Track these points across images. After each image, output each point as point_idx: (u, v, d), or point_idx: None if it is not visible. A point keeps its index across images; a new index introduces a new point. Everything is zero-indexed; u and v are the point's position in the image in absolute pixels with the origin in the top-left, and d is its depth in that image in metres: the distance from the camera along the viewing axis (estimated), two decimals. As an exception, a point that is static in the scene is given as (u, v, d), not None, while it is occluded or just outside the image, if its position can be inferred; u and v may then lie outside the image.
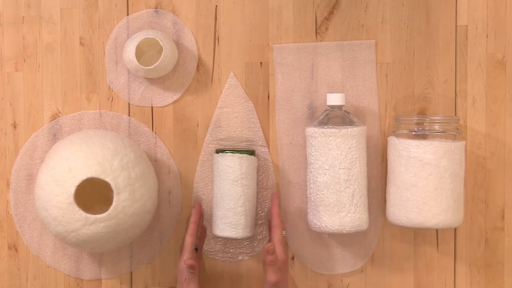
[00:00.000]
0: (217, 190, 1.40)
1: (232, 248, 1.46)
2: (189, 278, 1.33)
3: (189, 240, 1.36)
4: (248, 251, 1.46)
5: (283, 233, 1.37)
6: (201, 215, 1.43)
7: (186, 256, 1.34)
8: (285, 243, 1.37)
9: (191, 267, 1.32)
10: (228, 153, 1.39)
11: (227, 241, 1.46)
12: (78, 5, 1.46)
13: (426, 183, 1.33)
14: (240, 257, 1.46)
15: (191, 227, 1.37)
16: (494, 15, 1.42)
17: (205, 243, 1.46)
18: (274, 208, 1.39)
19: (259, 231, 1.45)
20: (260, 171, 1.45)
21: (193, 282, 1.34)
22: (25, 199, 1.47)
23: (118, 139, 1.37)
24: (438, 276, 1.45)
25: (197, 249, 1.39)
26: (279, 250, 1.34)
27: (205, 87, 1.46)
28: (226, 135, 1.45)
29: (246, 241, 1.46)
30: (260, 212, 1.45)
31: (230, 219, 1.38)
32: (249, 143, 1.45)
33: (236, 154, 1.38)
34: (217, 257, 1.46)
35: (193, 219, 1.39)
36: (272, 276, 1.32)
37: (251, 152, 1.40)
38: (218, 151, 1.41)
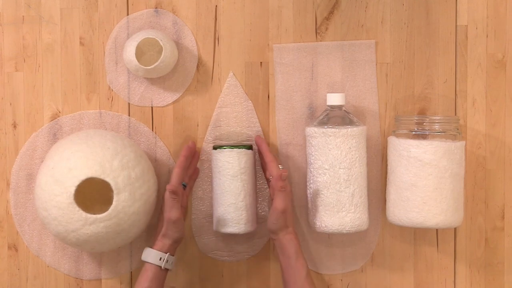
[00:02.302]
0: (216, 187, 1.40)
1: (232, 247, 1.46)
2: (171, 204, 1.34)
3: (176, 171, 1.37)
4: (248, 250, 1.46)
5: (280, 167, 1.37)
6: (195, 154, 1.43)
7: (171, 184, 1.35)
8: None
9: (173, 192, 1.33)
10: (226, 149, 1.39)
11: (227, 240, 1.46)
12: (78, 5, 1.46)
13: (426, 183, 1.33)
14: (240, 256, 1.46)
15: (180, 160, 1.39)
16: (494, 15, 1.42)
17: (204, 243, 1.46)
18: (262, 147, 1.40)
19: (258, 229, 1.45)
20: (259, 171, 1.45)
21: (175, 208, 1.34)
22: (25, 199, 1.47)
23: (118, 139, 1.37)
24: (438, 276, 1.45)
25: (185, 186, 1.39)
26: None
27: (205, 87, 1.46)
28: (226, 135, 1.45)
29: (246, 240, 1.46)
30: (261, 211, 1.45)
31: (231, 214, 1.38)
32: (249, 142, 1.45)
33: (235, 149, 1.38)
34: (217, 256, 1.47)
35: (183, 152, 1.40)
36: (280, 203, 1.33)
37: (249, 147, 1.40)
38: (215, 147, 1.41)
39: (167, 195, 1.35)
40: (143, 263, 1.45)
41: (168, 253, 1.35)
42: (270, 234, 1.37)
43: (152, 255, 1.35)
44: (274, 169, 1.36)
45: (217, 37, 1.45)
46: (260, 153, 1.42)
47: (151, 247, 1.36)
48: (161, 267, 1.34)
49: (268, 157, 1.38)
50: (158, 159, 1.46)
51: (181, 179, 1.37)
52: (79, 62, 1.47)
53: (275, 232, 1.35)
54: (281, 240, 1.35)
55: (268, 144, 1.45)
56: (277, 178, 1.33)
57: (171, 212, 1.34)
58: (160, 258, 1.34)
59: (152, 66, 1.40)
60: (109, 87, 1.47)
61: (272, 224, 1.35)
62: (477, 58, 1.43)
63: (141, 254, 1.44)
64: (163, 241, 1.35)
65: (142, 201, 1.33)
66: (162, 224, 1.36)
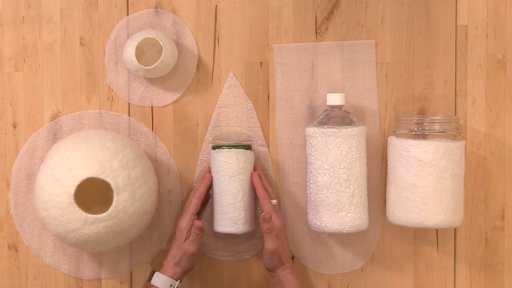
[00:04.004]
0: (215, 187, 1.40)
1: (232, 247, 1.46)
2: (193, 239, 1.35)
3: (195, 202, 1.37)
4: (248, 250, 1.46)
5: (274, 201, 1.37)
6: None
7: (189, 217, 1.35)
8: (277, 211, 1.38)
9: (200, 229, 1.34)
10: (224, 149, 1.39)
11: (227, 240, 1.46)
12: (78, 5, 1.46)
13: (426, 183, 1.33)
14: (240, 256, 1.46)
15: (200, 190, 1.38)
16: (494, 15, 1.42)
17: (204, 243, 1.46)
18: (256, 184, 1.38)
19: (258, 229, 1.45)
20: (260, 171, 1.45)
21: (195, 244, 1.35)
22: (25, 199, 1.47)
23: (118, 139, 1.37)
24: (438, 276, 1.45)
25: (198, 214, 1.39)
26: (273, 218, 1.35)
27: (205, 87, 1.46)
28: (225, 135, 1.45)
29: (246, 240, 1.46)
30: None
31: (229, 214, 1.38)
32: (248, 142, 1.45)
33: (233, 149, 1.38)
34: (217, 256, 1.47)
35: (205, 183, 1.39)
36: (270, 244, 1.34)
37: (248, 147, 1.40)
38: (214, 147, 1.41)
39: (185, 227, 1.35)
40: (143, 264, 1.45)
41: (178, 281, 1.35)
42: (267, 272, 1.38)
43: (162, 281, 1.35)
44: (264, 206, 1.36)
45: (217, 37, 1.45)
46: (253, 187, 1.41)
47: (159, 271, 1.36)
48: None
49: (260, 193, 1.37)
50: (158, 159, 1.46)
51: (197, 210, 1.38)
52: (79, 62, 1.47)
53: (271, 270, 1.37)
54: (279, 277, 1.36)
55: (268, 145, 1.45)
56: (262, 221, 1.34)
57: (191, 246, 1.35)
58: (171, 285, 1.35)
59: (152, 66, 1.40)
60: (109, 87, 1.47)
61: (266, 264, 1.36)
62: (477, 58, 1.43)
63: (141, 254, 1.44)
64: (175, 269, 1.36)
65: (142, 201, 1.33)
66: (174, 251, 1.37)
